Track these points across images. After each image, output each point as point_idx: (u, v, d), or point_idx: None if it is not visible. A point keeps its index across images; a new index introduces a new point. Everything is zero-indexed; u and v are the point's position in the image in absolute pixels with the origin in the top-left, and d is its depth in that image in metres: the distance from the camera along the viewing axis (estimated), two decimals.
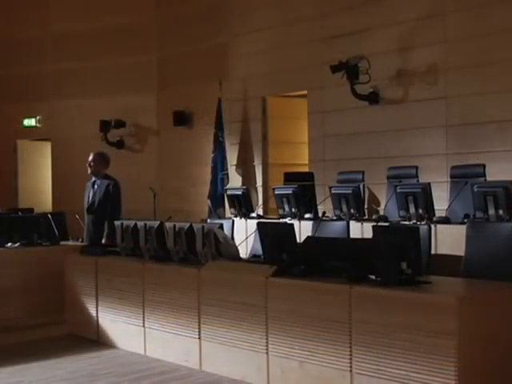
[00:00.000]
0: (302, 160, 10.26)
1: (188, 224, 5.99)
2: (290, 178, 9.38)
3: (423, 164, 8.17)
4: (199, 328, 5.64)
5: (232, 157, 10.74)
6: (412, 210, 6.68)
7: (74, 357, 6.16)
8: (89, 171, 8.08)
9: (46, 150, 13.19)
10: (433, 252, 6.10)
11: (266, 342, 5.10)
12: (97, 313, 6.71)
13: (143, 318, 6.18)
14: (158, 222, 6.32)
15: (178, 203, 11.19)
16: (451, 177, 7.70)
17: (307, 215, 7.80)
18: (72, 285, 7.03)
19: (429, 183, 6.84)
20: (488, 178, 7.17)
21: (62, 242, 7.88)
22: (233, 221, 8.09)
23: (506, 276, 4.99)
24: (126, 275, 6.41)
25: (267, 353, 5.10)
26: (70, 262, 7.12)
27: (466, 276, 5.31)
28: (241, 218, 8.55)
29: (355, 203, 7.45)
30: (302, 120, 10.12)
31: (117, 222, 6.76)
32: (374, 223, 6.51)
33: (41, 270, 7.57)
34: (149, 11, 12.20)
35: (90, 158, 8.07)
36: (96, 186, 7.99)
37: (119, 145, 12.27)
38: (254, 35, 10.47)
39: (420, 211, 6.63)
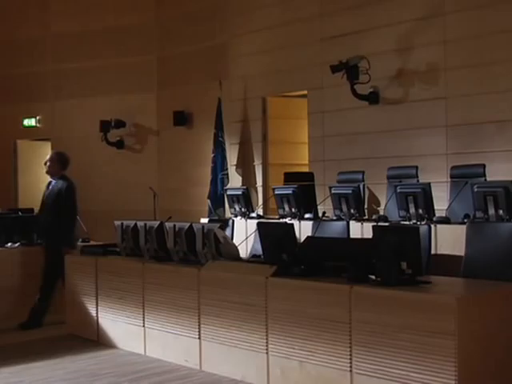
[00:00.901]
0: (302, 160, 10.26)
1: (188, 224, 5.99)
2: (290, 178, 9.38)
3: (423, 164, 8.17)
4: (199, 328, 5.64)
5: (232, 157, 10.74)
6: (412, 210, 6.68)
7: (74, 357, 6.16)
8: (44, 170, 7.65)
9: (46, 150, 13.17)
10: (433, 252, 6.10)
11: (266, 342, 5.10)
12: (97, 313, 6.71)
13: (143, 318, 6.18)
14: (158, 222, 6.31)
15: (178, 203, 11.19)
16: (451, 177, 7.70)
17: (307, 215, 7.80)
18: (72, 285, 7.03)
19: (429, 183, 6.84)
20: (488, 178, 7.17)
21: None
22: (233, 221, 8.09)
23: (506, 276, 5.00)
24: (126, 275, 6.41)
25: (267, 353, 5.10)
26: (70, 262, 7.11)
27: (465, 276, 5.31)
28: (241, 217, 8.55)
29: (355, 203, 7.45)
30: (302, 120, 10.12)
31: (117, 222, 6.74)
32: (374, 223, 6.51)
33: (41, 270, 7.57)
34: (149, 11, 12.20)
35: (48, 157, 7.66)
36: (50, 187, 7.57)
37: (119, 145, 12.27)
38: (253, 35, 10.47)
39: (420, 211, 6.63)
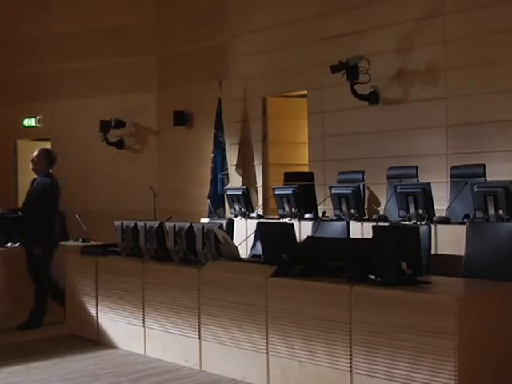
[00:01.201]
0: (302, 160, 10.26)
1: (188, 224, 5.99)
2: (290, 178, 9.39)
3: (423, 164, 8.17)
4: (199, 328, 5.64)
5: (232, 157, 10.74)
6: (412, 210, 6.68)
7: (74, 357, 6.16)
8: (30, 167, 7.51)
9: None
10: (433, 252, 6.11)
11: (266, 342, 5.10)
12: (97, 313, 6.71)
13: (143, 318, 6.18)
14: (158, 222, 6.31)
15: (178, 203, 11.19)
16: (451, 177, 7.70)
17: (307, 215, 7.80)
18: (72, 285, 7.03)
19: (429, 183, 6.84)
20: (488, 178, 7.17)
21: (62, 242, 7.88)
22: (233, 221, 8.08)
23: (506, 276, 5.00)
24: (126, 275, 6.41)
25: (267, 353, 5.10)
26: (70, 262, 7.11)
27: (465, 276, 5.31)
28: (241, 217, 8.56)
29: (355, 203, 7.45)
30: (302, 120, 10.12)
31: (117, 222, 6.74)
32: (374, 223, 6.51)
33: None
34: (149, 11, 12.20)
35: (34, 154, 7.50)
36: (35, 184, 7.39)
37: (119, 145, 12.27)
38: (253, 35, 10.47)
39: (420, 211, 6.64)
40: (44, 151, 7.60)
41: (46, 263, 7.21)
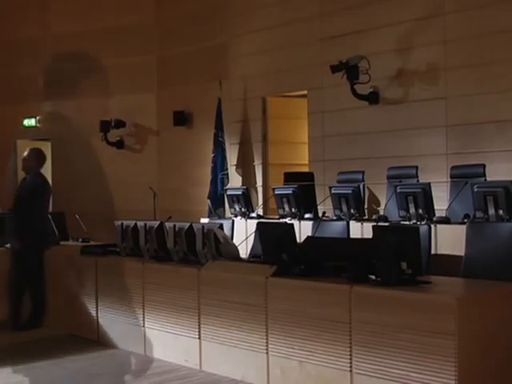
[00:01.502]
0: (302, 160, 10.26)
1: (188, 224, 5.99)
2: (290, 178, 9.38)
3: (423, 164, 8.16)
4: (199, 328, 5.65)
5: (232, 157, 10.74)
6: (412, 210, 6.68)
7: (74, 357, 6.16)
8: (21, 166, 7.54)
9: (45, 150, 13.10)
10: (433, 252, 6.11)
11: (266, 342, 5.10)
12: (97, 313, 6.71)
13: (143, 318, 6.18)
14: (158, 222, 6.32)
15: (178, 203, 11.19)
16: (451, 177, 7.70)
17: (307, 215, 7.80)
18: (72, 285, 7.02)
19: (429, 183, 6.84)
20: (488, 178, 7.17)
21: (62, 242, 7.88)
22: (233, 221, 8.09)
23: (506, 276, 5.00)
24: (126, 275, 6.41)
25: (267, 353, 5.10)
26: (70, 262, 7.11)
27: (465, 276, 5.31)
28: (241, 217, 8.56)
29: (355, 203, 7.45)
30: (302, 120, 10.12)
31: (117, 222, 6.74)
32: (374, 223, 6.51)
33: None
34: (149, 11, 12.19)
35: (25, 153, 7.47)
36: (25, 184, 7.37)
37: (119, 145, 12.26)
38: (253, 35, 10.47)
39: (420, 211, 6.64)
40: (34, 151, 7.56)
41: (40, 261, 7.19)
